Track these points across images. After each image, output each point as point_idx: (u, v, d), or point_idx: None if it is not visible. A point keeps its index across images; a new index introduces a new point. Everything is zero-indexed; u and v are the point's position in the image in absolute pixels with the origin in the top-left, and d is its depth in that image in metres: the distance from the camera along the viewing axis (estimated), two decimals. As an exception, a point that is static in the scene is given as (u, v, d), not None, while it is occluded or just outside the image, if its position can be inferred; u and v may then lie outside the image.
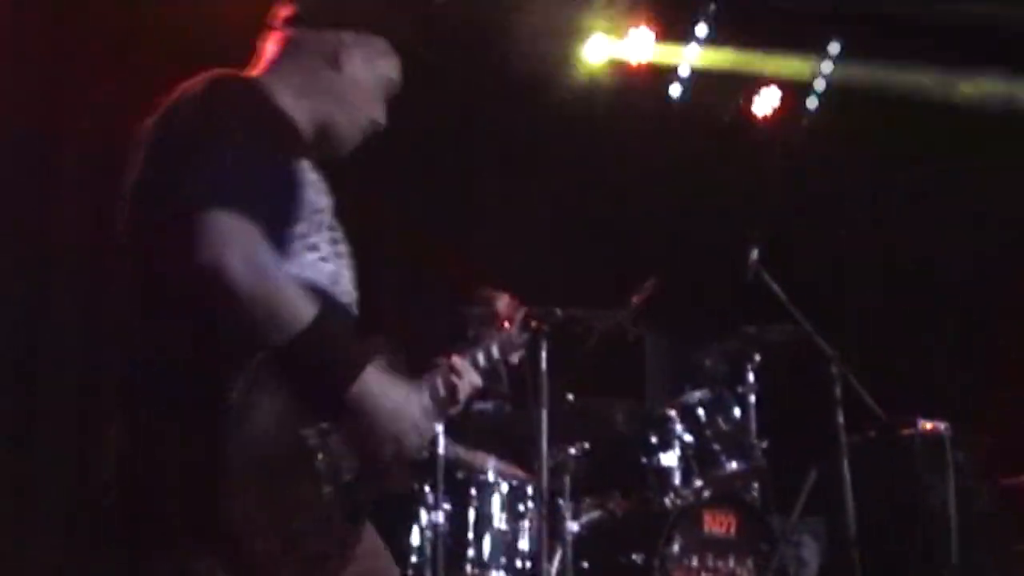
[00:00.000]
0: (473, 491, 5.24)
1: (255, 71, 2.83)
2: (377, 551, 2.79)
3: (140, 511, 2.45)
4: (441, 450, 5.02)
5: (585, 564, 5.28)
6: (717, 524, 5.31)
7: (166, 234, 2.42)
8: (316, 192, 2.64)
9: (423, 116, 6.92)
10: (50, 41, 5.65)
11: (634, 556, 5.19)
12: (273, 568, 2.39)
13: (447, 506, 5.09)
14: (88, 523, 5.14)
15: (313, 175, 2.66)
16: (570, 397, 5.59)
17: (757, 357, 5.95)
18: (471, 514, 5.20)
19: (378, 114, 2.93)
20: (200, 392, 2.38)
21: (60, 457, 5.35)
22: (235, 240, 2.37)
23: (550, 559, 5.07)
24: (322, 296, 2.55)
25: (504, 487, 5.29)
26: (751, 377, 5.95)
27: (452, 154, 7.56)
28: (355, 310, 2.76)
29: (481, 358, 3.17)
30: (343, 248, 2.75)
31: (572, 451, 5.35)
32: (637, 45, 7.80)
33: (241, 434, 2.36)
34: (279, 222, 2.53)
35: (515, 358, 3.37)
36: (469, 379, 3.01)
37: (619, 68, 7.84)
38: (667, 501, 5.42)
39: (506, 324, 3.42)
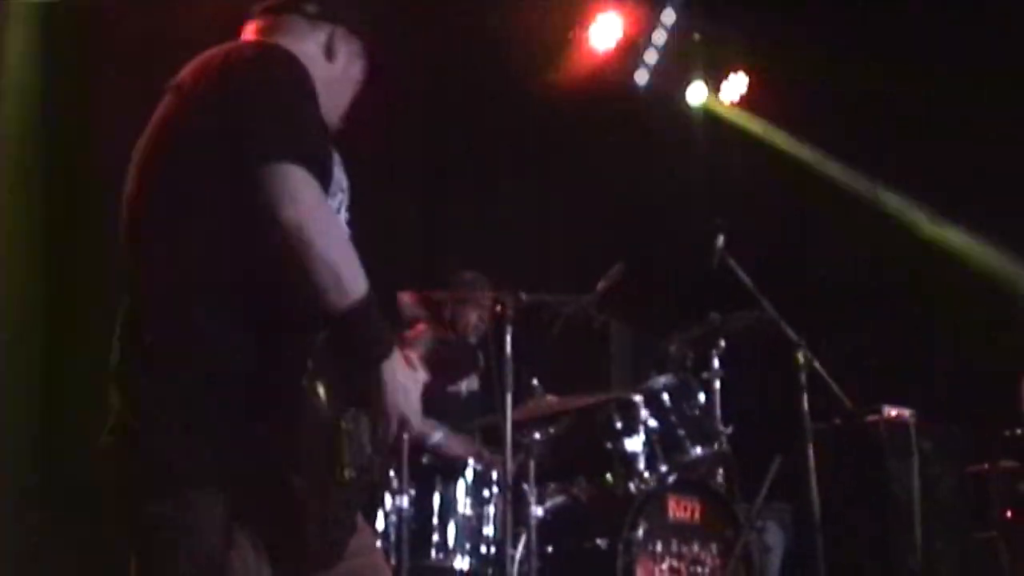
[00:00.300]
0: (438, 476, 5.24)
1: None
2: (368, 544, 2.84)
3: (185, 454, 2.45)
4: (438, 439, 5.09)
5: (549, 549, 5.25)
6: (682, 510, 5.29)
7: (239, 183, 2.44)
8: (339, 170, 2.74)
9: (391, 103, 6.95)
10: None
11: (598, 541, 5.16)
12: (312, 548, 2.47)
13: (412, 491, 5.08)
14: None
15: (335, 153, 2.74)
16: (535, 382, 5.58)
17: (722, 343, 5.95)
18: (436, 499, 5.19)
19: (344, 110, 2.96)
20: (271, 370, 2.43)
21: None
22: (314, 198, 2.43)
23: (514, 544, 5.07)
24: None
25: (469, 472, 5.28)
26: (716, 363, 5.95)
27: (418, 140, 7.56)
28: None
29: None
30: (347, 216, 2.83)
31: (537, 436, 5.34)
32: (603, 31, 7.80)
33: (305, 420, 2.42)
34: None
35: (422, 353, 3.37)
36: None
37: (586, 54, 7.83)
38: (632, 486, 5.39)
39: (419, 325, 3.41)
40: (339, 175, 2.71)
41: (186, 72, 2.66)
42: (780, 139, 8.17)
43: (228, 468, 2.42)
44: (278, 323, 2.48)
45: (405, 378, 2.63)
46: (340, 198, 2.73)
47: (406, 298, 3.50)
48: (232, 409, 2.42)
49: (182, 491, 2.44)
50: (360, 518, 2.75)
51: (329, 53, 2.86)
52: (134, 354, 2.53)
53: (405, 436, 4.67)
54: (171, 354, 2.49)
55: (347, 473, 2.55)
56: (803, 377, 5.41)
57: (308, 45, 2.82)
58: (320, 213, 2.44)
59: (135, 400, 2.49)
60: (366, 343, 2.54)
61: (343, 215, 2.75)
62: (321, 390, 2.46)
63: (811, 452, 5.29)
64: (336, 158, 2.71)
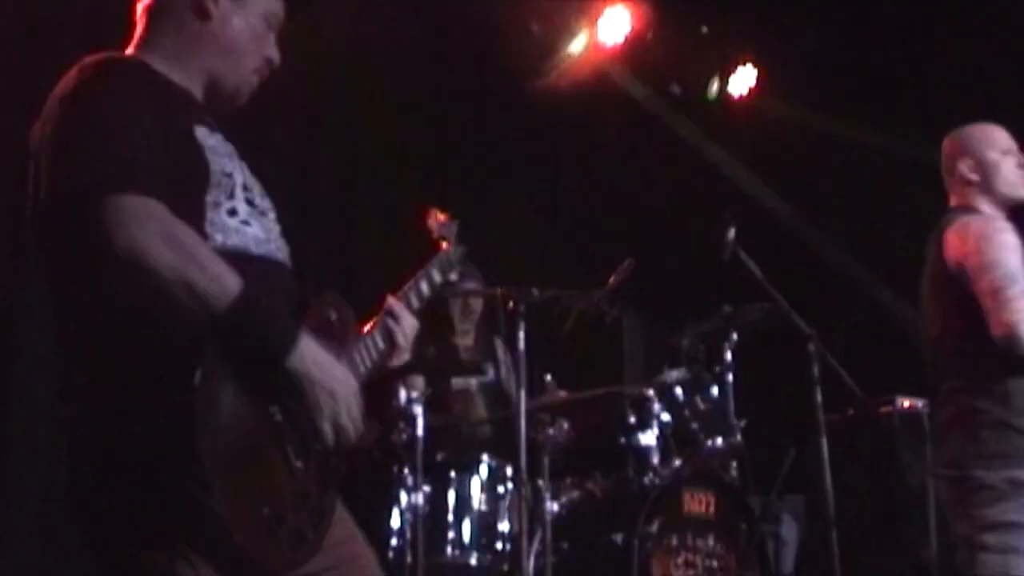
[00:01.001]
0: (452, 473, 5.27)
1: (128, 50, 2.76)
2: (352, 535, 2.78)
3: (110, 512, 2.42)
4: (420, 430, 5.00)
5: (565, 545, 5.27)
6: (696, 504, 5.31)
7: (71, 231, 2.37)
8: (219, 156, 2.60)
9: (396, 88, 6.98)
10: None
11: (614, 536, 5.17)
12: (257, 555, 2.37)
13: (426, 488, 5.09)
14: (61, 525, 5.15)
15: (212, 139, 2.63)
16: (548, 378, 5.61)
17: (734, 336, 5.95)
18: (451, 496, 5.23)
19: (268, 51, 2.84)
20: (161, 382, 2.34)
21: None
22: (146, 220, 2.33)
23: (530, 540, 5.09)
24: (250, 263, 2.51)
25: (484, 468, 5.31)
26: (728, 356, 5.93)
27: (421, 133, 7.57)
28: (289, 264, 2.74)
29: (424, 287, 3.11)
30: (264, 204, 2.72)
31: (551, 431, 5.34)
32: (611, 25, 7.81)
33: (211, 419, 2.31)
34: (188, 194, 2.49)
35: (454, 275, 3.37)
36: (406, 322, 2.96)
37: (594, 48, 7.85)
38: (646, 481, 5.40)
39: (442, 243, 3.41)
40: (217, 161, 2.58)
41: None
42: (790, 130, 8.17)
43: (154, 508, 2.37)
44: (158, 360, 2.37)
45: (326, 373, 2.49)
46: (229, 183, 2.60)
47: (436, 214, 3.49)
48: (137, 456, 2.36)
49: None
50: (339, 507, 2.69)
51: (200, 12, 2.73)
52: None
53: (419, 433, 4.90)
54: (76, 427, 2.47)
55: (296, 464, 2.47)
56: (816, 369, 5.40)
57: (176, 17, 2.73)
58: (149, 231, 2.31)
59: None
60: (259, 342, 2.41)
61: (240, 196, 2.62)
62: (227, 394, 2.36)
63: (824, 444, 5.28)
64: (210, 144, 2.60)
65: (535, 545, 5.17)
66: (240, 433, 2.38)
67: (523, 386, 4.98)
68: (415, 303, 3.08)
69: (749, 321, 5.91)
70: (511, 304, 5.09)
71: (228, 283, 2.38)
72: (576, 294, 5.37)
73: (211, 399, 2.32)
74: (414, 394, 5.09)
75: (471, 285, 5.78)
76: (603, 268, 5.50)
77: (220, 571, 2.39)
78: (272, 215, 2.74)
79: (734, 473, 5.82)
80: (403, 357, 2.97)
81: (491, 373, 6.12)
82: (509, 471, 5.32)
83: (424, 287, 3.13)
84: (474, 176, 7.71)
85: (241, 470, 2.36)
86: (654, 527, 5.13)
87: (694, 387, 5.69)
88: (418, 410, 5.04)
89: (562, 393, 5.58)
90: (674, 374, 5.72)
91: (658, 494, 5.26)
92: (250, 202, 2.66)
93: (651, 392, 5.60)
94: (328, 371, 2.50)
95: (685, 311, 6.32)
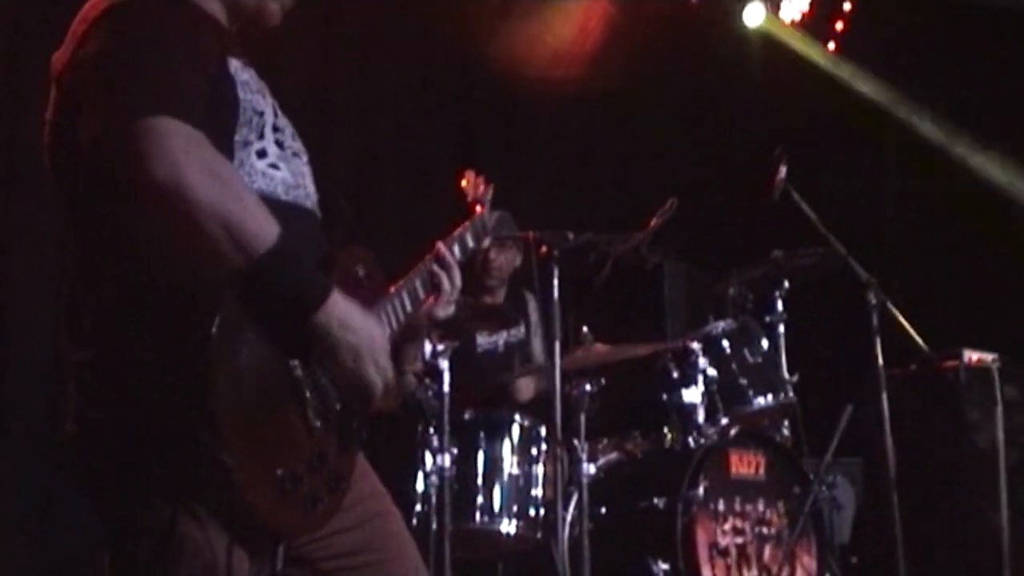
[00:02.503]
0: (482, 433, 5.25)
1: None
2: (376, 492, 2.79)
3: (114, 461, 2.43)
4: (446, 386, 5.00)
5: (603, 510, 5.27)
6: (745, 465, 5.32)
7: (108, 153, 2.36)
8: (251, 92, 2.60)
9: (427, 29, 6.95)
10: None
11: (655, 500, 5.18)
12: (268, 516, 2.38)
13: (454, 450, 5.05)
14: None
15: (246, 74, 2.62)
16: (584, 330, 5.57)
17: (786, 284, 5.94)
18: (480, 458, 5.21)
19: None
20: (180, 327, 2.34)
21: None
22: (189, 148, 2.31)
23: (565, 505, 5.09)
24: (278, 210, 2.49)
25: (515, 429, 5.29)
26: (780, 306, 5.93)
27: (453, 67, 7.54)
28: (318, 212, 2.74)
29: (456, 250, 3.09)
30: (295, 147, 2.72)
31: (587, 388, 5.30)
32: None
33: (229, 371, 2.32)
34: (218, 130, 2.47)
35: (487, 242, 3.35)
36: (455, 270, 2.98)
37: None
38: (690, 441, 5.41)
39: (476, 207, 3.38)
40: (249, 98, 2.58)
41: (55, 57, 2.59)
42: (845, 64, 8.07)
43: (165, 459, 2.39)
44: (179, 303, 2.38)
45: (353, 329, 2.48)
46: (259, 122, 2.60)
47: (471, 176, 3.49)
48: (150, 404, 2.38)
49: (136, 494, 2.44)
50: (361, 461, 2.71)
51: None
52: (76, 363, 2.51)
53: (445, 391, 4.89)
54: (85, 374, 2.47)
55: (314, 423, 2.49)
56: (875, 319, 5.37)
57: None
58: (194, 160, 2.30)
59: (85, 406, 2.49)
60: (289, 294, 2.40)
61: (270, 137, 2.62)
62: (246, 343, 2.36)
63: (885, 401, 5.26)
64: (243, 79, 2.60)
65: (571, 511, 5.18)
66: (257, 385, 2.38)
67: (557, 338, 4.95)
68: (459, 256, 3.08)
69: (802, 267, 5.87)
70: (543, 249, 5.06)
71: (267, 228, 2.37)
72: (614, 238, 5.32)
73: (229, 347, 2.33)
74: (440, 347, 5.03)
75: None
76: (643, 210, 5.44)
77: (228, 530, 2.40)
78: (304, 158, 2.74)
79: (786, 432, 5.82)
80: (448, 309, 2.98)
81: (521, 330, 6.12)
82: (543, 431, 5.30)
83: (456, 250, 3.10)
84: (503, 112, 7.65)
85: (256, 424, 2.37)
86: (699, 491, 5.13)
87: (742, 339, 5.66)
88: (444, 364, 5.00)
89: (599, 346, 5.55)
90: (720, 325, 5.69)
91: (703, 455, 5.25)
92: (280, 144, 2.65)
93: (695, 345, 5.57)
94: (356, 326, 2.49)
95: (732, 256, 6.30)
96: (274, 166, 2.61)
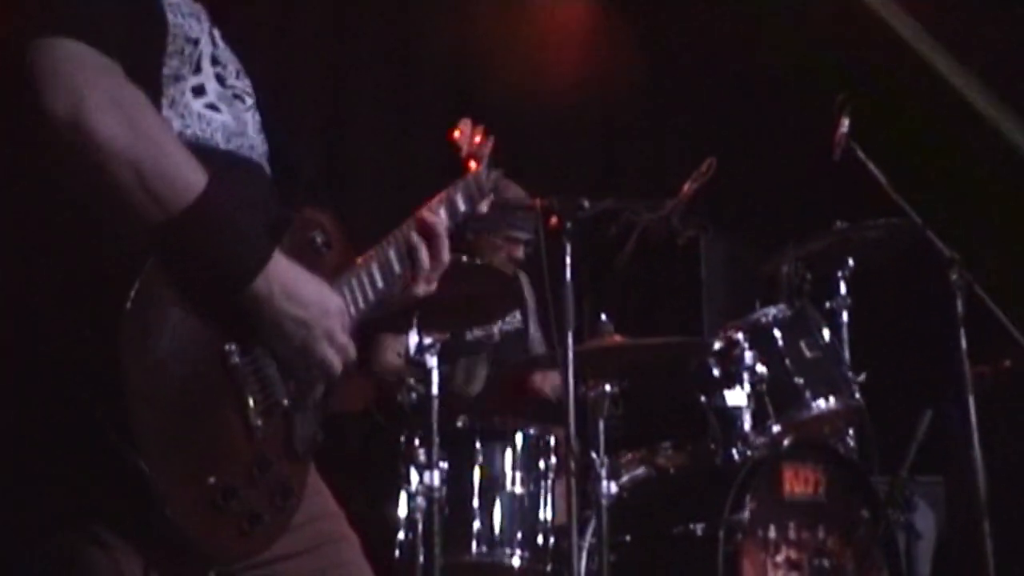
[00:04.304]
0: (478, 444, 5.26)
1: None
2: (329, 512, 2.80)
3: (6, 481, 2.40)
4: (435, 387, 4.98)
5: (627, 538, 5.27)
6: (801, 483, 5.29)
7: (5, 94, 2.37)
8: (182, 15, 2.60)
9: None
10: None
11: (692, 526, 5.16)
12: (195, 537, 2.36)
13: (444, 464, 5.04)
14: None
15: None
16: (603, 318, 5.52)
17: (851, 262, 5.95)
18: (476, 475, 5.22)
19: None
20: (85, 300, 2.31)
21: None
22: (96, 78, 2.31)
23: (581, 532, 5.06)
24: (214, 160, 2.50)
25: (519, 438, 5.30)
26: (843, 288, 5.94)
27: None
28: (267, 166, 2.75)
29: (443, 214, 3.08)
30: (239, 86, 2.73)
31: (607, 389, 5.32)
32: None
33: (146, 356, 2.29)
34: (139, 60, 2.45)
35: (484, 207, 3.30)
36: (442, 240, 2.96)
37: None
38: (734, 453, 5.40)
39: (471, 164, 3.34)
40: (180, 22, 2.57)
41: None
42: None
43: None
44: (85, 266, 2.36)
45: (303, 302, 2.51)
46: (193, 53, 2.59)
47: (467, 126, 3.46)
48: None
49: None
50: (313, 477, 2.71)
51: None
52: None
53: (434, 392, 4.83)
54: None
55: (254, 422, 2.47)
56: (960, 305, 5.31)
57: None
58: (100, 94, 2.29)
59: None
60: (216, 261, 2.40)
61: (208, 72, 2.62)
62: (168, 323, 2.34)
63: (972, 406, 5.20)
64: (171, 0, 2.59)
65: (587, 539, 5.18)
66: (182, 374, 2.36)
67: (570, 329, 4.88)
68: (445, 221, 3.06)
69: (870, 241, 5.86)
70: (554, 220, 5.03)
71: (190, 178, 2.36)
72: (639, 206, 5.30)
73: (147, 327, 2.30)
74: (427, 340, 5.02)
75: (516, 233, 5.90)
76: (674, 172, 5.40)
77: (142, 554, 2.39)
78: (250, 101, 2.75)
79: (851, 443, 5.81)
80: (430, 287, 2.99)
81: (517, 315, 6.15)
82: (552, 441, 5.32)
83: (443, 215, 3.09)
84: (507, 60, 7.60)
85: (180, 423, 2.35)
86: (745, 514, 5.09)
87: (797, 329, 5.65)
88: (432, 361, 4.99)
89: (621, 338, 5.51)
90: (771, 311, 5.68)
91: (750, 471, 5.22)
92: (221, 80, 2.67)
93: (740, 336, 5.56)
94: (305, 296, 2.51)
95: (784, 228, 6.25)
96: (213, 107, 2.62)
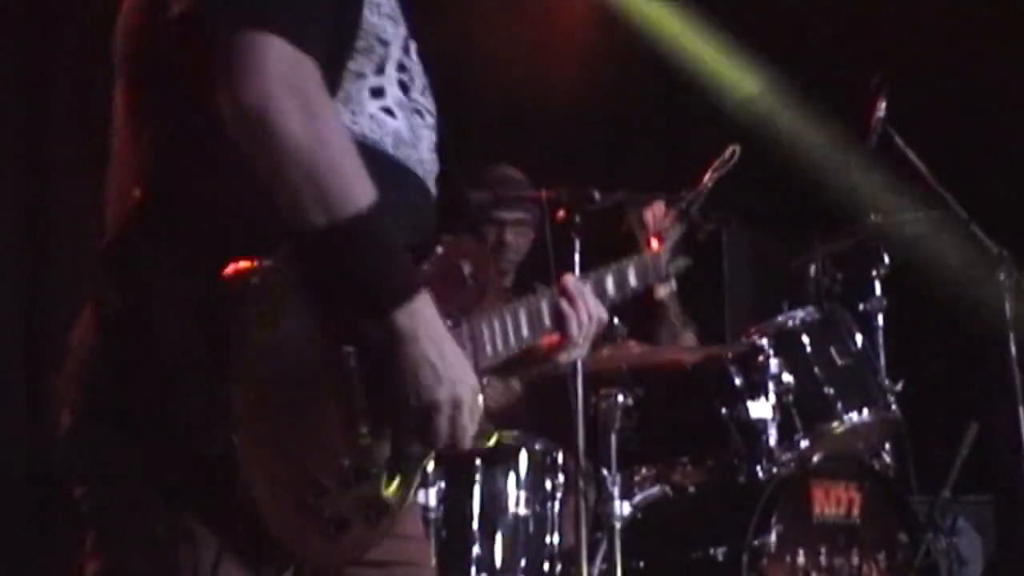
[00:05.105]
0: (478, 462, 5.22)
1: None
2: (416, 536, 2.90)
3: (105, 447, 2.51)
4: None
5: (641, 563, 5.27)
6: (833, 503, 5.30)
7: (195, 65, 2.50)
8: (379, 15, 2.71)
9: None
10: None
11: (712, 550, 5.18)
12: (278, 531, 2.44)
13: (441, 483, 5.08)
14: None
15: None
16: (615, 321, 5.51)
17: (887, 259, 5.92)
18: (476, 495, 5.18)
19: None
20: (209, 274, 2.42)
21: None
22: (290, 75, 2.45)
23: (590, 558, 5.06)
24: (379, 165, 2.59)
25: (523, 455, 5.27)
26: (878, 289, 5.93)
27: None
28: (433, 186, 2.85)
29: (610, 284, 3.18)
30: (424, 103, 2.84)
31: (620, 399, 5.31)
32: None
33: (261, 335, 2.40)
34: (328, 54, 2.57)
35: (662, 292, 3.38)
36: (589, 308, 3.04)
37: None
38: (759, 469, 5.41)
39: (652, 241, 3.39)
40: (375, 21, 2.70)
41: None
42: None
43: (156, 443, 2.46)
44: (227, 241, 2.49)
45: (446, 357, 2.55)
46: (380, 53, 2.71)
47: (660, 206, 3.55)
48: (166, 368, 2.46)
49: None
50: (400, 507, 2.74)
51: None
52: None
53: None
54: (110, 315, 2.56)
55: (361, 429, 2.53)
56: (1009, 306, 5.36)
57: None
58: (291, 91, 2.44)
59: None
60: (365, 278, 2.51)
61: (392, 76, 2.74)
62: (291, 314, 2.46)
63: (1022, 418, 5.22)
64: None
65: (598, 564, 5.18)
66: (295, 362, 2.47)
67: None
68: (611, 293, 3.22)
69: (908, 237, 5.90)
70: (561, 213, 5.04)
71: (359, 192, 2.48)
72: (655, 198, 5.20)
73: (270, 307, 2.43)
74: None
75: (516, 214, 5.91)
76: (693, 161, 5.29)
77: (221, 540, 2.46)
78: (430, 119, 2.85)
79: (887, 460, 5.81)
80: (573, 354, 3.10)
81: None
82: (560, 457, 5.29)
83: (611, 283, 3.24)
84: (511, 39, 7.59)
85: (282, 412, 2.44)
86: (771, 537, 5.10)
87: (828, 334, 5.66)
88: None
89: (635, 344, 5.53)
90: (798, 315, 5.68)
91: (776, 489, 5.22)
92: (404, 88, 2.77)
93: (765, 341, 5.56)
94: (447, 350, 2.57)
95: (814, 222, 6.27)
96: (389, 111, 2.72)
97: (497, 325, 2.89)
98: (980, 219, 5.45)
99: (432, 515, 4.99)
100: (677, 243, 3.52)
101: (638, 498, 5.43)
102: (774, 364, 5.50)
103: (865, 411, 5.54)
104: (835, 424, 5.51)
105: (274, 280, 2.43)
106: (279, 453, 2.43)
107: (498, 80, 7.44)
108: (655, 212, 3.52)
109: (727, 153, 5.21)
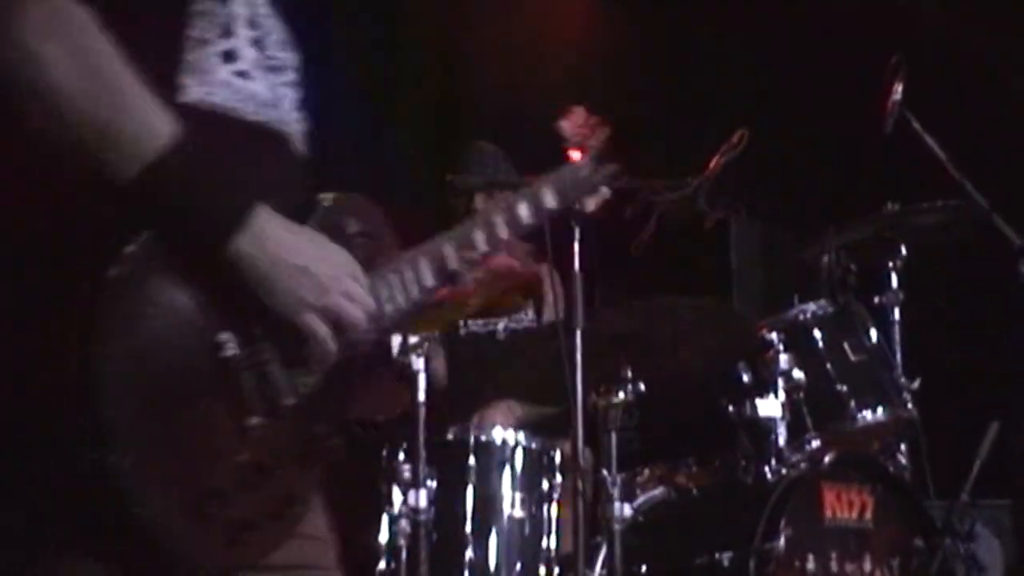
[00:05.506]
0: (471, 460, 5.24)
1: None
2: (318, 534, 2.82)
3: None
4: (422, 393, 4.96)
5: (643, 568, 5.27)
6: (845, 506, 5.29)
7: None
8: None
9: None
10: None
11: (718, 555, 5.15)
12: (177, 544, 2.39)
13: (431, 483, 5.05)
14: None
15: None
16: None
17: (903, 250, 5.94)
18: (469, 495, 5.21)
19: None
20: (55, 277, 2.38)
21: None
22: (59, 23, 2.37)
23: (589, 562, 5.06)
24: (237, 130, 2.59)
25: (519, 454, 5.30)
26: (895, 281, 5.95)
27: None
28: (303, 145, 2.80)
29: (524, 210, 3.09)
30: (283, 58, 2.78)
31: (620, 395, 5.23)
32: None
33: (126, 338, 2.33)
34: (154, 20, 2.51)
35: (591, 204, 3.29)
36: (499, 233, 2.99)
37: None
38: (767, 471, 5.39)
39: (574, 153, 3.31)
40: None
41: None
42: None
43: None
44: (53, 240, 2.44)
45: (300, 251, 2.54)
46: (223, 15, 2.65)
47: (580, 113, 3.45)
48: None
49: None
50: (311, 497, 2.72)
51: None
52: None
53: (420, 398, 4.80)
54: None
55: (250, 421, 2.49)
56: None
57: None
58: (72, 41, 2.39)
59: None
60: (187, 215, 2.44)
61: (243, 36, 2.68)
62: (154, 308, 2.38)
63: None
64: None
65: (597, 570, 5.18)
66: (168, 364, 2.40)
67: (580, 327, 4.78)
68: (526, 218, 3.10)
69: (926, 227, 5.90)
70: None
71: (153, 126, 2.41)
72: (659, 184, 5.19)
73: (131, 306, 2.35)
74: (413, 339, 5.00)
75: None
76: (700, 146, 5.33)
77: (122, 563, 2.41)
78: (291, 75, 2.81)
79: (903, 461, 5.82)
80: (480, 294, 3.13)
81: (529, 313, 6.12)
82: (557, 457, 5.32)
83: (524, 209, 3.11)
84: (507, 18, 7.68)
85: (162, 417, 2.38)
86: (780, 542, 5.08)
87: (841, 328, 5.68)
88: (419, 363, 4.98)
89: None
90: (810, 308, 5.69)
91: (785, 491, 5.20)
92: (259, 45, 2.72)
93: (775, 336, 5.56)
94: (302, 245, 2.56)
95: (826, 211, 6.27)
96: (244, 74, 2.66)
97: (395, 280, 2.82)
98: (1001, 208, 5.41)
99: (422, 517, 4.96)
100: (601, 149, 3.41)
101: (640, 500, 5.45)
102: (784, 360, 5.50)
103: (880, 410, 5.56)
104: (848, 423, 5.55)
105: (131, 274, 2.36)
106: (166, 460, 2.38)
107: (496, 59, 7.47)
108: (574, 118, 3.41)
109: (735, 137, 5.21)
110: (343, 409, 2.68)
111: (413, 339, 4.96)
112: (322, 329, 2.54)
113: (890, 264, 5.92)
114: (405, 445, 5.06)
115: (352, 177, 2.88)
